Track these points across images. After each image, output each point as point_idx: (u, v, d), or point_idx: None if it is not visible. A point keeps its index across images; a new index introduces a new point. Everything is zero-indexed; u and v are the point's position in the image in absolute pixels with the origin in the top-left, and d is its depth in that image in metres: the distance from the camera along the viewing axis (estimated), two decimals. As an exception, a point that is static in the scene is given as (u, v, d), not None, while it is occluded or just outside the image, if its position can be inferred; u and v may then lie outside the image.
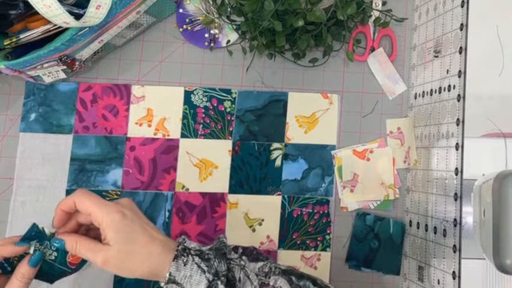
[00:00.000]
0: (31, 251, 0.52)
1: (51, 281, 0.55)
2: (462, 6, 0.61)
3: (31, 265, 0.51)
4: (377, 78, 0.75)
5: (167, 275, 0.52)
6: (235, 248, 0.58)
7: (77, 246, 0.52)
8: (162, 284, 0.52)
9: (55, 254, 0.53)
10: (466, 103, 0.58)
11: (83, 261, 0.55)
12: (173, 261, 0.52)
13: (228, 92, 0.74)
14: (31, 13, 0.62)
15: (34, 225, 0.52)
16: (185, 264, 0.52)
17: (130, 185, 0.72)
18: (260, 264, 0.57)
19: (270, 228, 0.72)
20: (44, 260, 0.52)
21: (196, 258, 0.53)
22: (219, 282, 0.52)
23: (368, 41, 0.75)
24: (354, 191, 0.73)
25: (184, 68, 0.74)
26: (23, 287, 0.51)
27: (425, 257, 0.66)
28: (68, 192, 0.71)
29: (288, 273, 0.56)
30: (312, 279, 0.56)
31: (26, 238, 0.52)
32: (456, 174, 0.59)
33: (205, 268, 0.53)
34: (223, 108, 0.73)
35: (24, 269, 0.51)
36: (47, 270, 0.53)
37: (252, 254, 0.58)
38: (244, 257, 0.56)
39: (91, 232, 0.56)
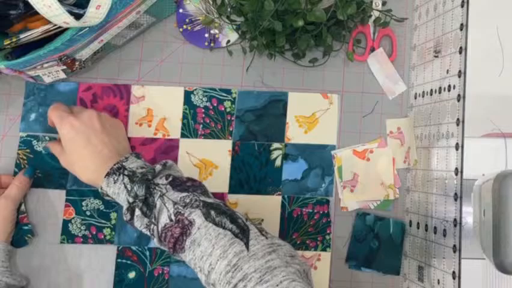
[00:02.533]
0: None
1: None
2: (462, 6, 0.61)
3: (28, 176, 0.68)
4: (377, 78, 0.75)
5: (100, 188, 0.61)
6: (168, 176, 0.59)
7: (53, 150, 0.67)
8: (100, 191, 0.61)
9: None
10: (466, 103, 0.58)
11: None
12: (105, 177, 0.59)
13: (228, 92, 0.74)
14: (31, 13, 0.62)
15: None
16: (115, 182, 0.59)
17: (130, 185, 0.71)
18: (184, 194, 0.57)
19: (270, 228, 0.72)
20: None
21: (126, 179, 0.58)
22: (135, 206, 0.56)
23: (368, 41, 0.75)
24: (354, 191, 0.73)
25: (184, 68, 0.74)
26: (21, 192, 0.66)
27: (425, 257, 0.66)
28: (69, 192, 0.71)
29: (211, 207, 0.55)
30: (233, 217, 0.55)
31: None
32: (456, 174, 0.59)
33: (129, 190, 0.57)
34: (223, 108, 0.73)
35: (22, 178, 0.67)
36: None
37: (182, 184, 0.58)
38: (168, 186, 0.58)
39: None
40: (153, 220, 0.56)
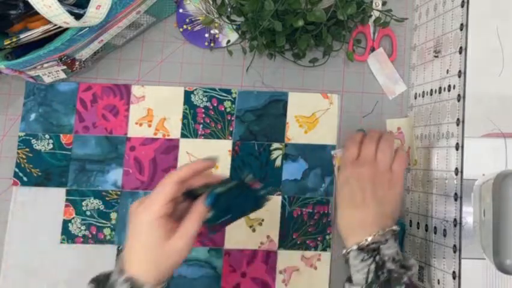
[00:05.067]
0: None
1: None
2: (462, 6, 0.61)
3: (207, 204, 0.53)
4: (377, 78, 0.75)
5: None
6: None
7: None
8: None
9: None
10: (466, 103, 0.58)
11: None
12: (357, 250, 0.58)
13: (228, 92, 0.74)
14: (31, 13, 0.62)
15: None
16: (362, 261, 0.57)
17: (130, 185, 0.72)
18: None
19: (270, 228, 0.72)
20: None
21: (373, 266, 0.57)
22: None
23: (368, 41, 0.75)
24: (354, 191, 0.73)
25: (184, 68, 0.74)
26: (198, 224, 0.52)
27: (425, 257, 0.66)
28: (68, 192, 0.71)
29: None
30: None
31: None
32: (456, 174, 0.59)
33: (371, 280, 0.56)
34: (223, 108, 0.73)
35: (201, 208, 0.52)
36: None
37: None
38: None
39: None
40: None
